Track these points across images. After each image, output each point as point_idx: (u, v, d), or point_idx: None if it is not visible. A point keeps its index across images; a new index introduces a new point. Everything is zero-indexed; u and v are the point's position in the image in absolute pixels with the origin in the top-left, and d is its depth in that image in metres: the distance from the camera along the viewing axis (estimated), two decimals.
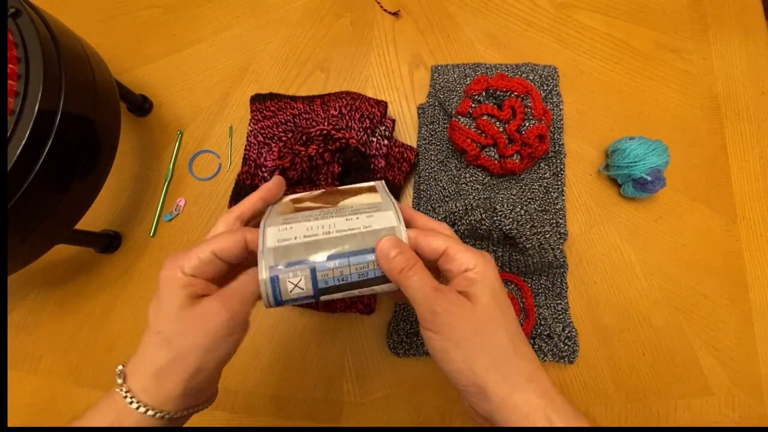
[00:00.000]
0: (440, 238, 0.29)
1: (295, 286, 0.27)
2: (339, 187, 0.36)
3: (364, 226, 0.29)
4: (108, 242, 0.52)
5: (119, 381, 0.28)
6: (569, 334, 0.48)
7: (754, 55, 0.58)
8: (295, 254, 0.27)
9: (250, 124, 0.55)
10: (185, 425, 0.31)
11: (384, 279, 0.29)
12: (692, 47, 0.58)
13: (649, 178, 0.48)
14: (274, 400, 0.49)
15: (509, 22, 0.60)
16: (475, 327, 0.27)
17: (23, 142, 0.35)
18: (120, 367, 0.29)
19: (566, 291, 0.50)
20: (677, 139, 0.54)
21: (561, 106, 0.55)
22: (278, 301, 0.28)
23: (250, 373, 0.49)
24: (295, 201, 0.34)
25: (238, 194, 0.53)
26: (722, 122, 0.56)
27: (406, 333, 0.48)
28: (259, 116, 0.54)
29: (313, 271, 0.27)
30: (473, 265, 0.28)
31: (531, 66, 0.56)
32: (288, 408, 0.48)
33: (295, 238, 0.28)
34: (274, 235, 0.28)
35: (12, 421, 0.49)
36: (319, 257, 0.27)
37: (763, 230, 0.52)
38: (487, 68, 0.56)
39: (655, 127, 0.55)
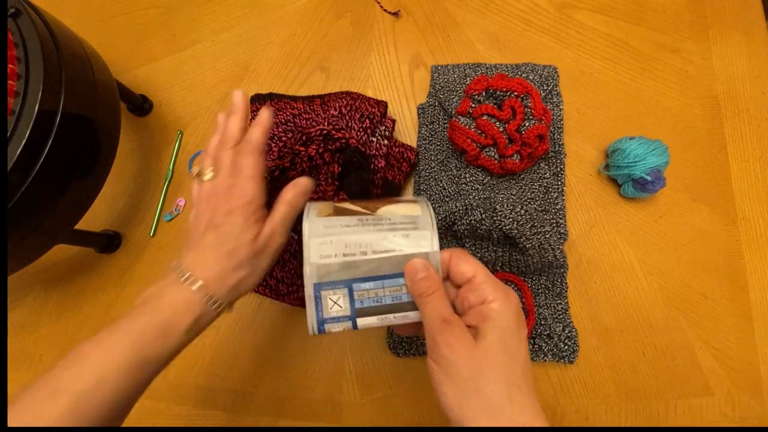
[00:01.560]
0: (471, 264, 0.29)
1: (335, 303, 0.30)
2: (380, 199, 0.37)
3: (399, 248, 0.29)
4: (108, 242, 0.52)
5: (193, 284, 0.32)
6: (569, 334, 0.48)
7: (754, 55, 0.58)
8: (334, 274, 0.29)
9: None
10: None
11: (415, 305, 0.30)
12: (692, 47, 0.58)
13: (649, 178, 0.48)
14: (274, 400, 0.49)
15: (509, 22, 0.60)
16: (473, 367, 0.26)
17: (23, 142, 0.35)
18: (187, 273, 0.32)
19: (566, 291, 0.50)
20: (677, 139, 0.54)
21: (561, 106, 0.55)
22: (320, 320, 0.30)
23: (250, 373, 0.49)
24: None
25: None
26: (722, 122, 0.56)
27: None
28: None
29: (351, 290, 0.29)
30: (491, 299, 0.27)
31: (531, 66, 0.56)
32: (288, 408, 0.48)
33: (335, 255, 0.29)
34: (316, 249, 0.30)
35: None
36: (356, 278, 0.29)
37: (763, 230, 0.52)
38: (487, 68, 0.56)
39: (655, 127, 0.55)
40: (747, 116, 0.56)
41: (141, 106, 0.57)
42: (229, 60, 0.60)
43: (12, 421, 0.25)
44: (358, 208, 0.32)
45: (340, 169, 0.48)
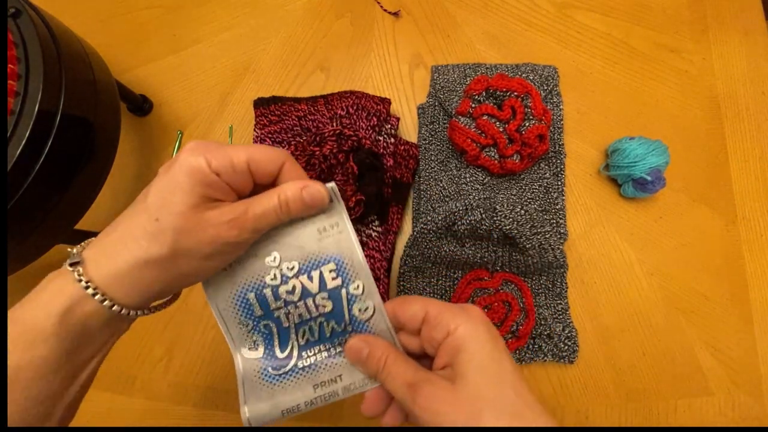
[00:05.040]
0: (418, 303, 0.26)
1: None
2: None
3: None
4: None
5: (71, 264, 0.25)
6: (569, 334, 0.48)
7: (754, 55, 0.58)
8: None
9: (255, 130, 0.55)
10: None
11: None
12: (692, 47, 0.58)
13: (649, 178, 0.48)
14: None
15: (509, 22, 0.60)
16: (464, 417, 0.23)
17: (23, 142, 0.35)
18: (76, 248, 0.25)
19: (566, 291, 0.50)
20: (677, 139, 0.54)
21: (561, 106, 0.55)
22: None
23: None
24: None
25: None
26: (722, 122, 0.56)
27: None
28: (265, 121, 0.54)
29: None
30: (454, 326, 0.25)
31: (531, 66, 0.56)
32: None
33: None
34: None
35: None
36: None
37: (763, 230, 0.52)
38: (487, 68, 0.56)
39: (655, 127, 0.55)
40: (747, 116, 0.56)
41: (141, 106, 0.57)
42: (229, 60, 0.60)
43: None
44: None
45: (357, 169, 0.48)
